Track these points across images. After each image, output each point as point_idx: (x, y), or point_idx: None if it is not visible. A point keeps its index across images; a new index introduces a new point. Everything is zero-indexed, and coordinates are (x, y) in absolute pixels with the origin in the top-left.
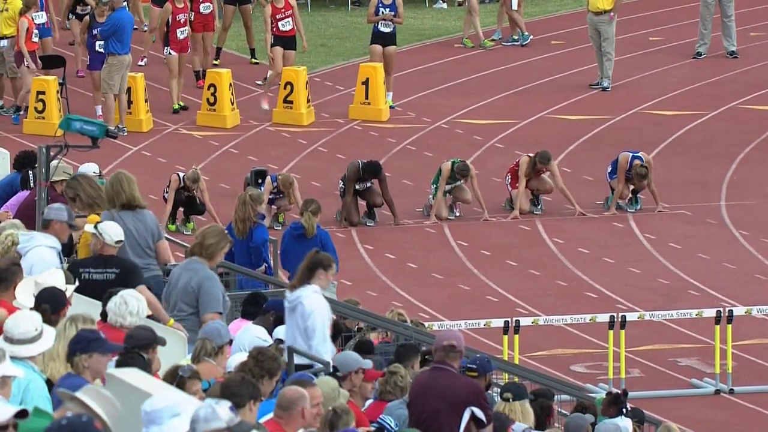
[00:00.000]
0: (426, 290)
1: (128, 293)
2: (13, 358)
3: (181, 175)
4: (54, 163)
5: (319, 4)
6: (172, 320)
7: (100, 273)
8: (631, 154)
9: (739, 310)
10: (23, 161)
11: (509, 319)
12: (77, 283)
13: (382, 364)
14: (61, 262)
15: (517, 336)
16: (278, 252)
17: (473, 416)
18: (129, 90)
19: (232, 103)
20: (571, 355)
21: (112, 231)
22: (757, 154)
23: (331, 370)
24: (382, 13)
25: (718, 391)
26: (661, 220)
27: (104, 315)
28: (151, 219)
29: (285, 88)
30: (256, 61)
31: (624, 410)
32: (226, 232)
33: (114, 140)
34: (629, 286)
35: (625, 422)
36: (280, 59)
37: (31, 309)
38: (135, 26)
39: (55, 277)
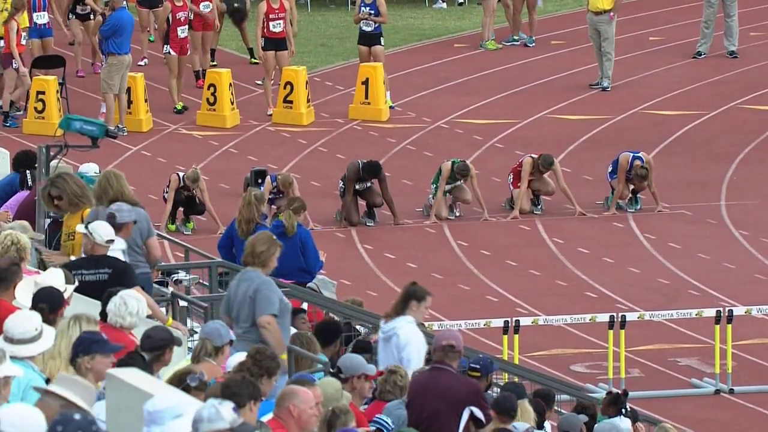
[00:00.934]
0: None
1: (128, 293)
2: (12, 357)
3: (181, 174)
4: (54, 163)
5: (319, 4)
6: (170, 319)
7: (93, 274)
8: (631, 155)
9: (738, 310)
10: (23, 161)
11: (509, 319)
12: (77, 283)
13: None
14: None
15: (517, 336)
16: None
17: (472, 416)
18: (129, 90)
19: (232, 103)
20: (571, 355)
21: (103, 231)
22: (757, 154)
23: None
24: (362, 12)
25: (718, 391)
26: (661, 220)
27: (103, 315)
28: (140, 217)
29: (285, 87)
30: (255, 61)
31: (623, 410)
32: (274, 237)
33: (114, 140)
34: (629, 286)
35: (625, 422)
36: (271, 65)
37: (29, 309)
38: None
39: (55, 276)
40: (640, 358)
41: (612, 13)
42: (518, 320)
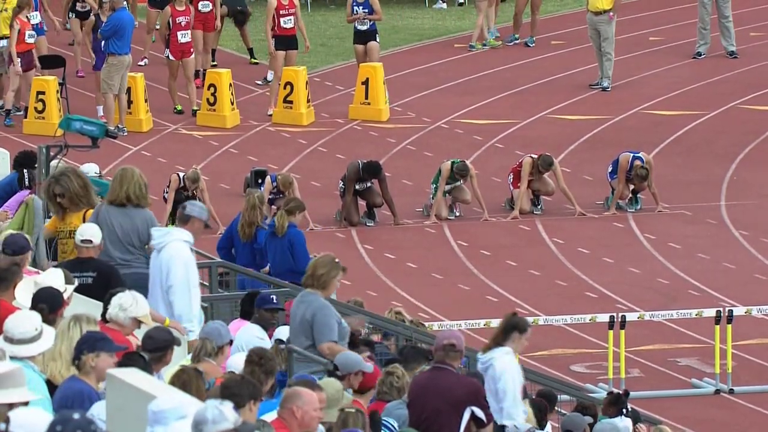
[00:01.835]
0: (426, 290)
1: (131, 292)
2: (12, 357)
3: (181, 175)
4: (54, 162)
5: (319, 4)
6: (168, 320)
7: (78, 277)
8: (631, 155)
9: (738, 310)
10: (23, 161)
11: None
12: (77, 283)
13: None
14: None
15: None
16: None
17: (473, 416)
18: (129, 90)
19: (232, 103)
20: (571, 355)
21: (80, 230)
22: (757, 154)
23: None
24: (356, 12)
25: (718, 391)
26: (661, 220)
27: (104, 316)
28: (142, 218)
29: (285, 88)
30: (255, 61)
31: (624, 410)
32: (337, 260)
33: (114, 140)
34: (629, 286)
35: (625, 422)
36: (281, 64)
37: (29, 309)
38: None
39: (55, 276)
40: (640, 358)
41: (612, 13)
42: None
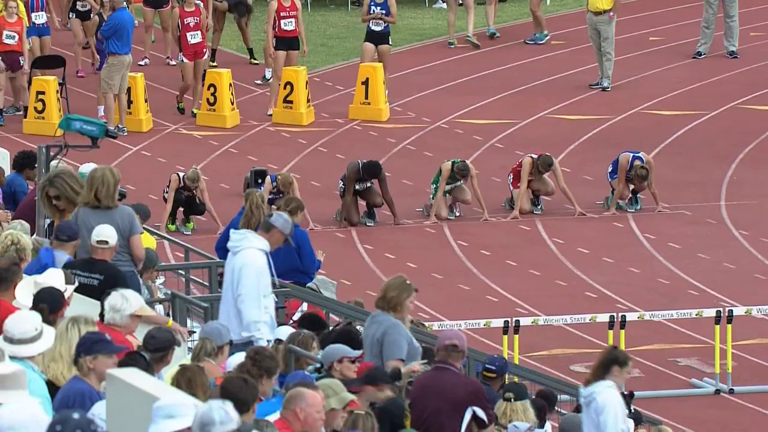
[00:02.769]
0: (426, 290)
1: (120, 291)
2: (12, 357)
3: (181, 174)
4: (54, 162)
5: (319, 4)
6: (170, 320)
7: (86, 277)
8: (631, 155)
9: (739, 310)
10: (23, 161)
11: (509, 319)
12: (77, 284)
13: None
14: (270, 267)
15: (517, 336)
16: None
17: (474, 416)
18: (129, 90)
19: (232, 103)
20: (571, 355)
21: (96, 231)
22: (757, 154)
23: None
24: (373, 11)
25: (718, 391)
26: (661, 220)
27: (102, 316)
28: (122, 216)
29: (285, 88)
30: (255, 61)
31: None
32: (408, 282)
33: (114, 140)
34: (629, 286)
35: (628, 423)
36: (281, 65)
37: (29, 309)
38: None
39: (55, 277)
40: (640, 358)
41: (611, 13)
42: (518, 320)
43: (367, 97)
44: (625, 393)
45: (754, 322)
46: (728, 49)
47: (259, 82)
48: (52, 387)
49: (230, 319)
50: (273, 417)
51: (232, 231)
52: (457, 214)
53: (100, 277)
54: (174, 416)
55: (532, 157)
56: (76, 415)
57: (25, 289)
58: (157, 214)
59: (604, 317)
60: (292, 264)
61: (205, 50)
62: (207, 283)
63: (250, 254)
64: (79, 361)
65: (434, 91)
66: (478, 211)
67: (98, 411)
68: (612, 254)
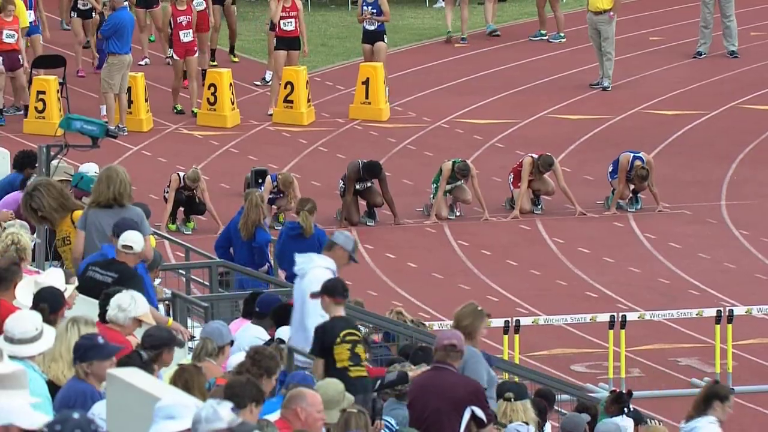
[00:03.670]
0: (426, 290)
1: (122, 294)
2: (13, 357)
3: (182, 174)
4: (54, 162)
5: (320, 4)
6: (171, 320)
7: (101, 274)
8: (632, 155)
9: (739, 310)
10: (23, 161)
11: (509, 319)
12: (76, 283)
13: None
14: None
15: (517, 336)
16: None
17: (473, 416)
18: (129, 90)
19: (233, 103)
20: (572, 355)
21: (123, 236)
22: (757, 154)
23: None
24: (365, 11)
25: None
26: (661, 220)
27: (101, 316)
28: (131, 215)
29: (285, 87)
30: (235, 59)
31: (625, 409)
32: (479, 309)
33: (114, 140)
34: (629, 286)
35: (626, 422)
36: (282, 64)
37: (29, 308)
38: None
39: (55, 276)
40: (641, 358)
41: (612, 13)
42: (518, 320)
43: (367, 97)
44: (623, 392)
45: (755, 321)
46: (728, 49)
47: (258, 83)
48: (53, 387)
49: (299, 340)
50: (273, 416)
51: (297, 255)
52: (458, 213)
53: (115, 275)
54: (175, 417)
55: (532, 156)
56: (76, 415)
57: (26, 289)
58: (157, 214)
59: (604, 317)
60: None
61: (196, 49)
62: (207, 283)
63: (314, 273)
64: (75, 366)
65: (434, 90)
66: (479, 210)
67: (98, 411)
68: (612, 254)
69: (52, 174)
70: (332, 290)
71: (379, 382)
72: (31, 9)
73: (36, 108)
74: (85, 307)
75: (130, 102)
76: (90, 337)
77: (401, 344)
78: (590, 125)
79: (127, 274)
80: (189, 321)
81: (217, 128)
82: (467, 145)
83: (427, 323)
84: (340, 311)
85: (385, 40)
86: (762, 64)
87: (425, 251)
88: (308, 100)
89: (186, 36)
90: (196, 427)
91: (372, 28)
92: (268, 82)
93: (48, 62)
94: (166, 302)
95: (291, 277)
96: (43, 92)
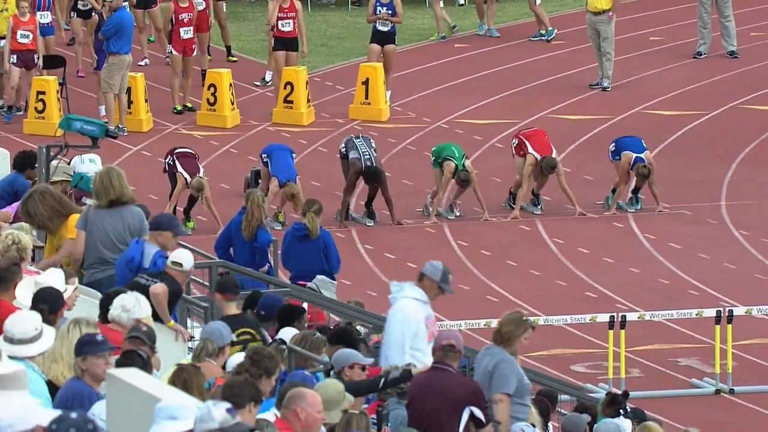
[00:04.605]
0: None
1: (126, 295)
2: (13, 358)
3: (187, 178)
4: (54, 163)
5: (320, 4)
6: (172, 321)
7: (146, 280)
8: (634, 155)
9: (739, 310)
10: (23, 162)
11: None
12: (76, 284)
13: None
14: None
15: None
16: (278, 252)
17: (472, 416)
18: (129, 90)
19: (232, 103)
20: (571, 355)
21: (174, 254)
22: (757, 154)
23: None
24: (379, 12)
25: (718, 391)
26: (661, 220)
27: (102, 317)
28: (132, 216)
29: (285, 87)
30: (233, 59)
31: (622, 410)
32: (525, 318)
33: (114, 140)
34: (629, 286)
35: (624, 422)
36: (282, 65)
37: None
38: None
39: (55, 277)
40: (641, 358)
41: (611, 13)
42: None
43: (367, 97)
44: (618, 393)
45: (755, 322)
46: (728, 49)
47: (258, 83)
48: (53, 387)
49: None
50: (266, 414)
51: (391, 283)
52: (457, 214)
53: (155, 281)
54: (176, 418)
55: (536, 157)
56: (73, 415)
57: (26, 290)
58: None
59: (604, 317)
60: (319, 266)
61: (194, 47)
62: (207, 283)
63: (401, 303)
64: (72, 363)
65: (434, 90)
66: (479, 211)
67: (98, 411)
68: (612, 254)
69: (52, 174)
70: (223, 287)
71: (383, 380)
72: (48, 10)
73: (36, 108)
74: (85, 308)
75: (129, 102)
76: (90, 334)
77: None
78: (590, 125)
79: (173, 291)
80: (189, 321)
81: (217, 128)
82: (467, 145)
83: None
84: (233, 308)
85: (396, 42)
86: (762, 65)
87: (425, 251)
88: (308, 101)
89: (186, 33)
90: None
91: (385, 29)
92: (267, 82)
93: (48, 62)
94: None
95: (295, 278)
96: (43, 92)
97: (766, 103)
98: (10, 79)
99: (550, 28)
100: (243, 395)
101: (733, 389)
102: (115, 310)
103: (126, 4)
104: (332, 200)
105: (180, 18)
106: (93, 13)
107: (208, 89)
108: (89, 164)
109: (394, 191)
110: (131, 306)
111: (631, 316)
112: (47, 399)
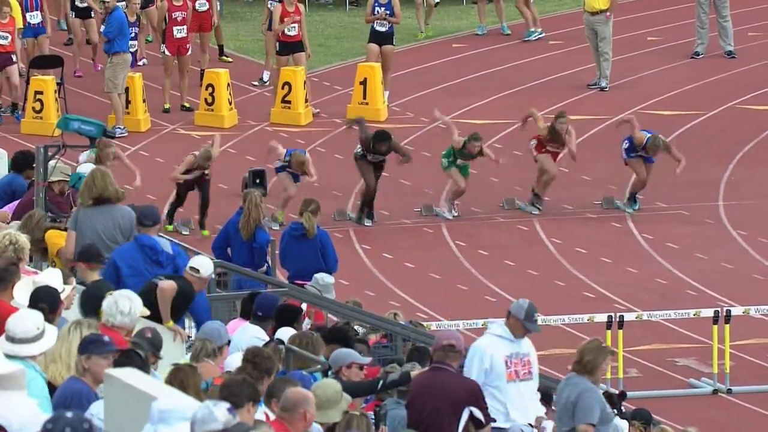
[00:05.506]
0: (424, 290)
1: (121, 294)
2: (14, 357)
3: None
4: (52, 163)
5: (318, 4)
6: (171, 321)
7: (161, 280)
8: (647, 134)
9: (737, 310)
10: (21, 162)
11: None
12: (74, 284)
13: (374, 363)
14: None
15: None
16: (276, 252)
17: (472, 416)
18: (127, 90)
19: (230, 103)
20: (569, 355)
21: (193, 260)
22: (755, 154)
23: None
24: (378, 12)
25: (716, 391)
26: (659, 220)
27: (88, 314)
28: (122, 214)
29: (283, 88)
30: (227, 59)
31: (616, 411)
32: (604, 345)
33: (112, 140)
34: (627, 286)
35: (620, 422)
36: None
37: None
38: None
39: (53, 276)
40: (638, 358)
41: (608, 13)
42: None
43: (365, 97)
44: (616, 393)
45: (752, 322)
46: (725, 49)
47: (255, 83)
48: (51, 388)
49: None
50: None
51: (492, 321)
52: (456, 214)
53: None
54: (175, 418)
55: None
56: (69, 414)
57: (24, 289)
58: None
59: (602, 317)
60: (316, 265)
61: (188, 46)
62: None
63: (479, 339)
64: (77, 360)
65: (433, 90)
66: (477, 211)
67: (96, 411)
68: (610, 254)
69: (50, 174)
70: (86, 256)
71: (381, 382)
72: (37, 10)
73: (33, 108)
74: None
75: (127, 102)
76: (97, 334)
77: (399, 344)
78: (588, 126)
79: (185, 291)
80: (186, 321)
81: (215, 128)
82: None
83: (424, 323)
84: (95, 276)
85: (394, 43)
86: (759, 64)
87: (423, 251)
88: (306, 101)
89: (180, 32)
90: (192, 427)
91: (383, 29)
92: (265, 82)
93: (45, 62)
94: None
95: (292, 277)
96: (41, 92)
97: (763, 103)
98: None
99: (533, 29)
100: (242, 395)
101: (730, 389)
102: (114, 318)
103: (120, 4)
104: (330, 200)
105: (173, 16)
106: (91, 14)
107: (206, 89)
108: (90, 165)
109: (394, 191)
110: (127, 308)
111: (628, 316)
112: (47, 399)
